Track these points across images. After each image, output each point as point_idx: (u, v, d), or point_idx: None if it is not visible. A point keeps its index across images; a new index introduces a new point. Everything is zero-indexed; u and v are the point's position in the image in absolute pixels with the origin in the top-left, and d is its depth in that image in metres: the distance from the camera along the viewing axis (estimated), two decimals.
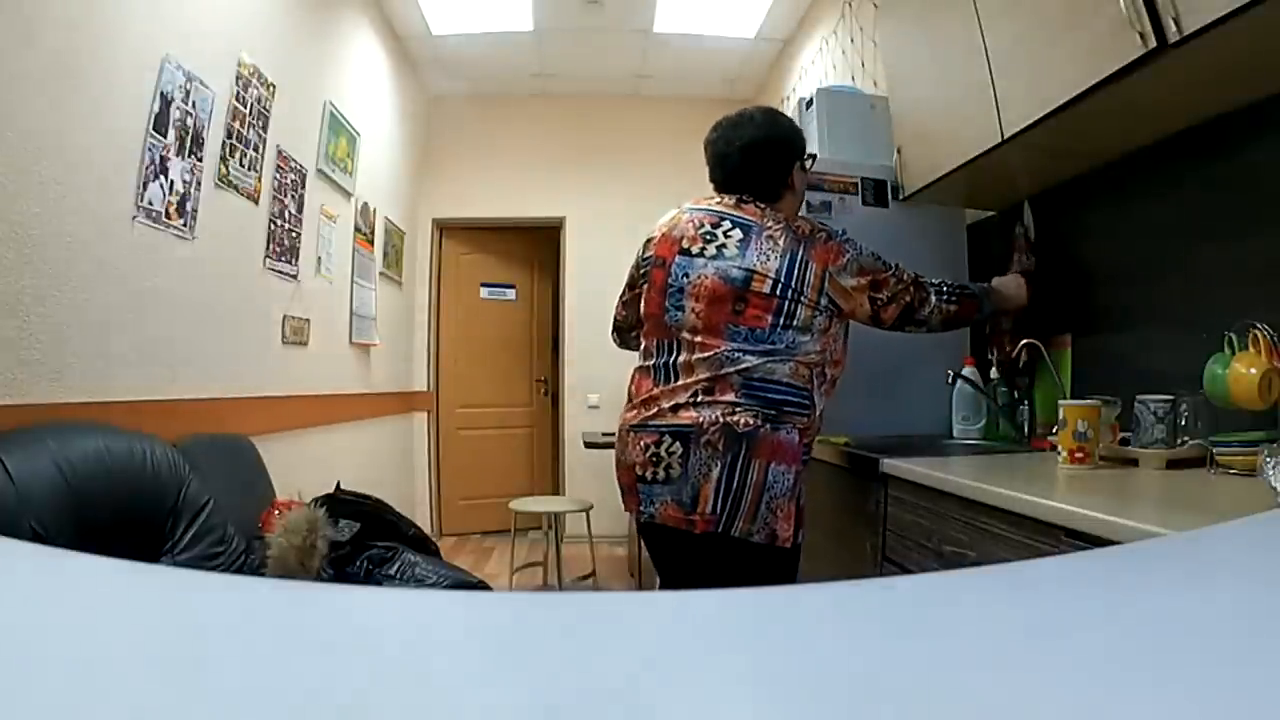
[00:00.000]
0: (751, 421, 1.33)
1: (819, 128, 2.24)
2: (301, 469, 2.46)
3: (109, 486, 1.39)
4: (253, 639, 0.31)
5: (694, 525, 1.36)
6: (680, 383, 1.39)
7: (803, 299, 1.39)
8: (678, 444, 1.36)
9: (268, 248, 2.40)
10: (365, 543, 1.82)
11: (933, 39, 1.87)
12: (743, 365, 1.35)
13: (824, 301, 1.42)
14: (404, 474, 4.15)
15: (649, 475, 1.39)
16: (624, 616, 0.36)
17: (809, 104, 2.31)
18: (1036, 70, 1.42)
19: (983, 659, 0.29)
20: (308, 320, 2.71)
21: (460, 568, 2.07)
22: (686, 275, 1.42)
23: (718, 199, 1.50)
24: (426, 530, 2.98)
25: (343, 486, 1.99)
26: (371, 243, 3.49)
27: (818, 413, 1.42)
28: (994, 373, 1.96)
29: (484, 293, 4.68)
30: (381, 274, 3.65)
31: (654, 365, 1.44)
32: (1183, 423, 1.33)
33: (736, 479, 1.33)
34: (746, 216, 1.44)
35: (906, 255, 2.13)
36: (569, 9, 3.58)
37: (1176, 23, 1.06)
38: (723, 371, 1.36)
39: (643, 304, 1.49)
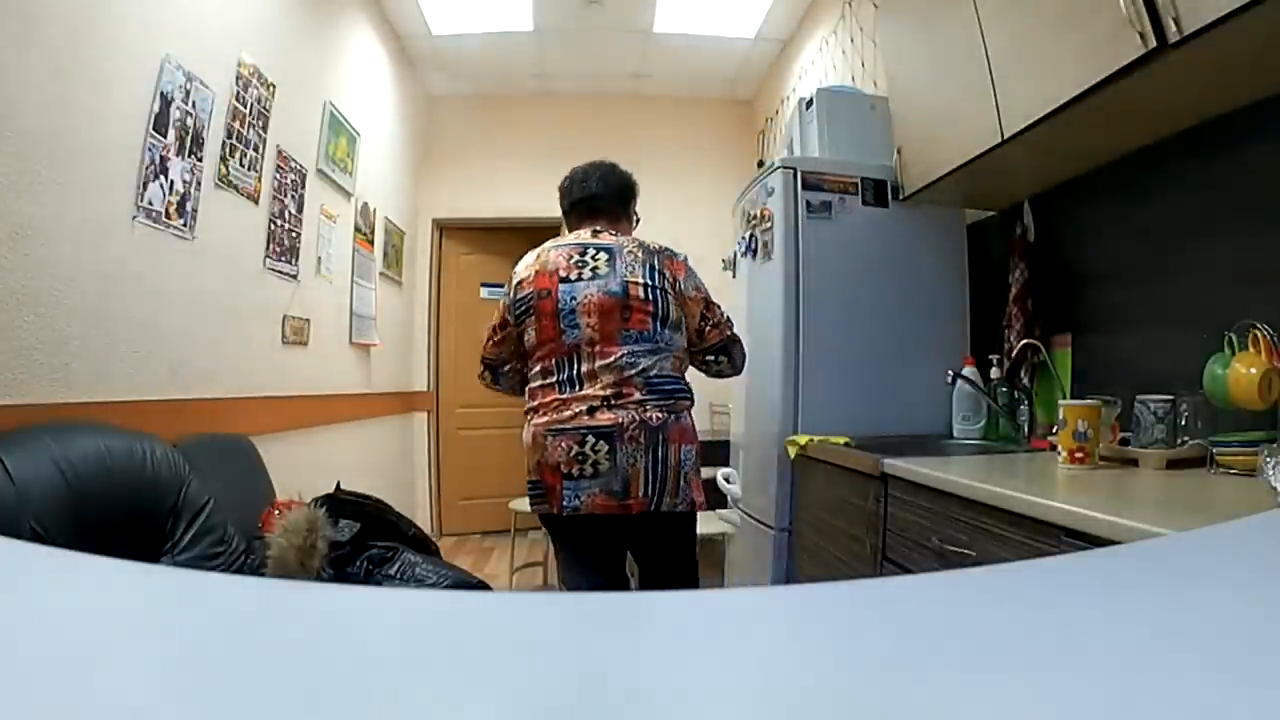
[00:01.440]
0: (660, 415, 1.57)
1: (819, 128, 2.25)
2: (301, 469, 2.46)
3: (109, 486, 1.39)
4: (253, 639, 0.31)
5: (630, 508, 1.56)
6: (586, 390, 1.58)
7: (669, 299, 1.64)
8: (602, 442, 1.54)
9: (268, 248, 2.40)
10: (365, 543, 1.82)
11: (933, 39, 1.87)
12: (641, 367, 1.58)
13: (676, 302, 1.66)
14: (404, 474, 4.15)
15: (575, 472, 1.55)
16: (624, 616, 0.36)
17: (809, 104, 2.31)
18: (1036, 70, 1.42)
19: (983, 659, 0.29)
20: (308, 320, 2.71)
21: (460, 568, 2.07)
22: (574, 298, 1.61)
23: (573, 236, 1.73)
24: (426, 530, 2.98)
25: (343, 486, 1.99)
26: (371, 243, 3.49)
27: (692, 395, 1.69)
28: (994, 373, 1.96)
29: (484, 293, 4.68)
30: (381, 274, 3.65)
31: (557, 380, 1.61)
32: (1183, 423, 1.33)
33: (659, 465, 1.56)
34: (606, 242, 1.67)
35: (906, 255, 2.15)
36: (569, 9, 3.58)
37: (1176, 23, 1.06)
38: (626, 375, 1.57)
39: (534, 332, 1.65)
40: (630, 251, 1.65)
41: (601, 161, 1.88)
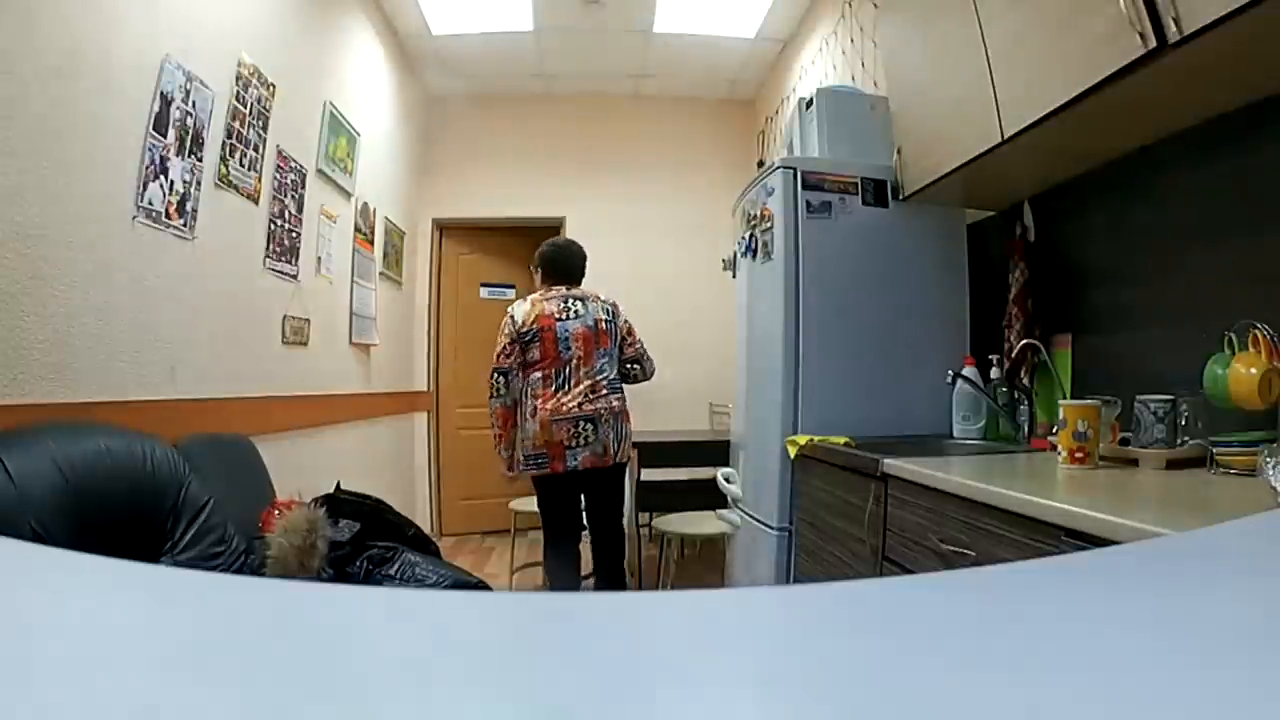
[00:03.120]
0: (618, 404, 2.49)
1: (819, 128, 2.25)
2: (301, 469, 2.46)
3: (109, 487, 1.39)
4: (253, 639, 0.31)
5: (606, 463, 2.45)
6: (573, 389, 2.43)
7: (615, 329, 2.56)
8: (589, 424, 2.42)
9: (268, 248, 2.40)
10: (365, 543, 1.82)
11: (933, 39, 1.87)
12: (606, 374, 2.48)
13: (617, 332, 2.57)
14: (404, 474, 4.15)
15: (573, 443, 2.41)
16: (624, 616, 0.36)
17: (809, 104, 2.31)
18: (1036, 70, 1.42)
19: (983, 659, 0.29)
20: (308, 320, 2.71)
21: (460, 568, 2.07)
22: (567, 331, 2.45)
23: (555, 291, 2.53)
24: (426, 530, 2.98)
25: (343, 486, 1.99)
26: (371, 243, 3.49)
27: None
28: (994, 373, 1.96)
29: (484, 293, 4.68)
30: (381, 274, 3.65)
31: (556, 384, 2.43)
32: (1183, 423, 1.33)
33: (620, 436, 2.48)
34: (578, 293, 2.55)
35: (906, 255, 2.15)
36: (569, 9, 3.58)
37: (1176, 23, 1.06)
38: (598, 380, 2.46)
39: (538, 351, 2.43)
40: (594, 300, 2.54)
41: (570, 242, 2.68)
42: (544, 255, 2.59)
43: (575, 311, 2.46)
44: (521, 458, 2.42)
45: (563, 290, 2.52)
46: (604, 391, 2.44)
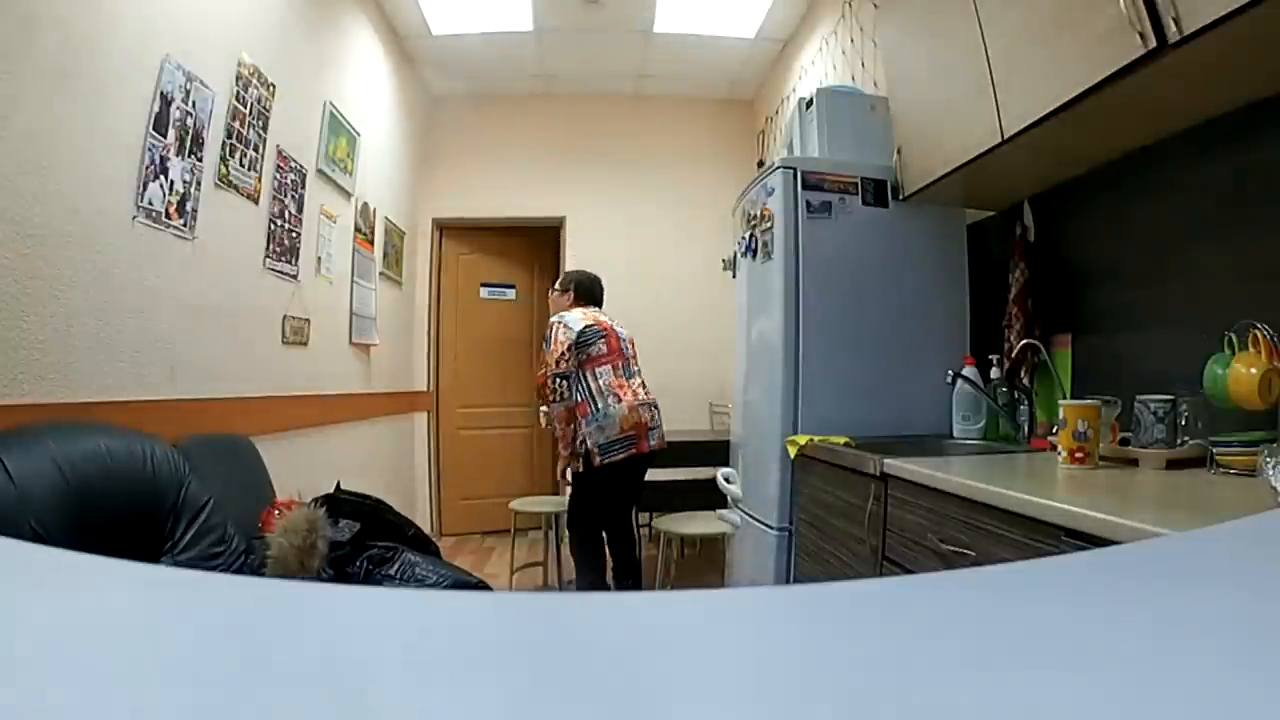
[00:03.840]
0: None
1: (819, 128, 2.25)
2: (301, 469, 2.46)
3: (109, 486, 1.39)
4: (253, 639, 0.31)
5: (661, 445, 2.76)
6: (638, 379, 2.79)
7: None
8: (656, 410, 2.77)
9: (268, 248, 2.40)
10: (365, 543, 1.82)
11: (933, 39, 1.87)
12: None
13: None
14: (404, 474, 4.15)
15: (653, 424, 2.72)
16: (624, 616, 0.36)
17: (809, 104, 2.31)
18: (1036, 70, 1.42)
19: (983, 659, 0.29)
20: (308, 320, 2.71)
21: (460, 568, 2.07)
22: (619, 336, 2.81)
23: (593, 310, 2.86)
24: (426, 530, 2.98)
25: (343, 486, 1.99)
26: (371, 243, 3.49)
27: None
28: (994, 373, 1.96)
29: (484, 293, 4.68)
30: (381, 274, 3.65)
31: (626, 375, 2.74)
32: (1183, 423, 1.33)
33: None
34: (606, 314, 2.89)
35: (906, 255, 2.15)
36: (569, 9, 3.58)
37: (1176, 23, 1.06)
38: (642, 376, 2.83)
39: (604, 348, 2.72)
40: (616, 320, 2.91)
41: (597, 276, 3.02)
42: (580, 281, 2.93)
43: (615, 324, 2.84)
44: (602, 444, 2.59)
45: (596, 311, 2.87)
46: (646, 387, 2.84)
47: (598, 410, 2.61)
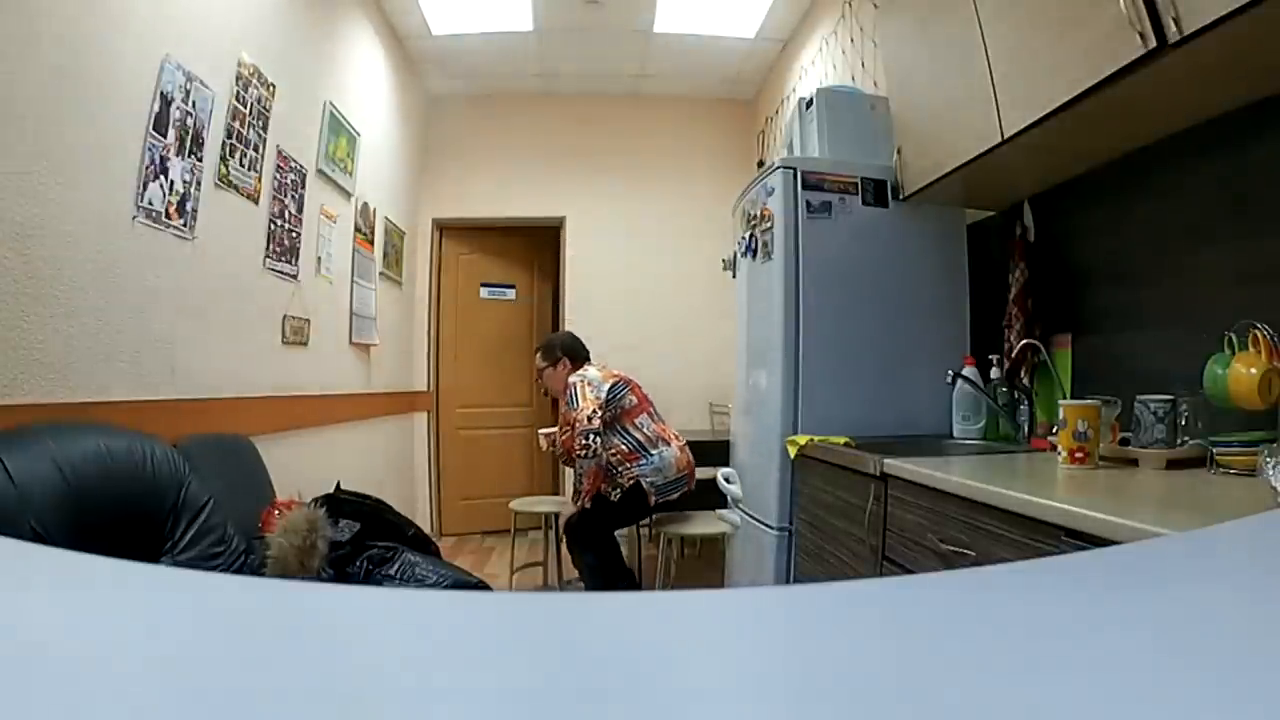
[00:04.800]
0: None
1: (819, 128, 2.24)
2: (301, 469, 2.46)
3: (109, 486, 1.39)
4: (253, 639, 0.31)
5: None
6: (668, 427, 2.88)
7: None
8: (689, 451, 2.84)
9: (268, 248, 2.40)
10: (365, 543, 1.82)
11: (933, 39, 1.87)
12: None
13: None
14: (404, 474, 4.15)
15: (693, 463, 2.79)
16: (624, 616, 0.36)
17: (809, 104, 2.31)
18: (1036, 70, 1.42)
19: (983, 659, 0.29)
20: (308, 320, 2.71)
21: (460, 568, 2.07)
22: (639, 385, 2.87)
23: (594, 366, 2.90)
24: (426, 530, 2.98)
25: (343, 486, 1.99)
26: (371, 243, 3.49)
27: None
28: (994, 373, 1.96)
29: (484, 292, 4.68)
30: (381, 274, 3.65)
31: (661, 422, 2.84)
32: (1183, 423, 1.33)
33: None
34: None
35: (906, 255, 2.15)
36: (569, 9, 3.58)
37: (1176, 23, 1.06)
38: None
39: (635, 401, 2.80)
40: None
41: (573, 333, 3.10)
42: (568, 346, 2.97)
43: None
44: (660, 485, 2.66)
45: (600, 365, 2.95)
46: None
47: (650, 456, 2.68)
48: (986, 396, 1.97)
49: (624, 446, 2.69)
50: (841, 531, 1.73)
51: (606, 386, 2.73)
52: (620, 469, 2.67)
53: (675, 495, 2.69)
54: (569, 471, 4.41)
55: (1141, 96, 1.29)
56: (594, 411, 2.63)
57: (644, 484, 2.65)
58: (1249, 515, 0.57)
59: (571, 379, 2.77)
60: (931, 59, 1.90)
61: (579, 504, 2.73)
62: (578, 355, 2.94)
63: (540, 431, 3.07)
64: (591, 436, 2.61)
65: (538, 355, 3.00)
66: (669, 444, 2.73)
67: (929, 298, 2.17)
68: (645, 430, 2.73)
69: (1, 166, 1.36)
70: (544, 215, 4.55)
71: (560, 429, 2.92)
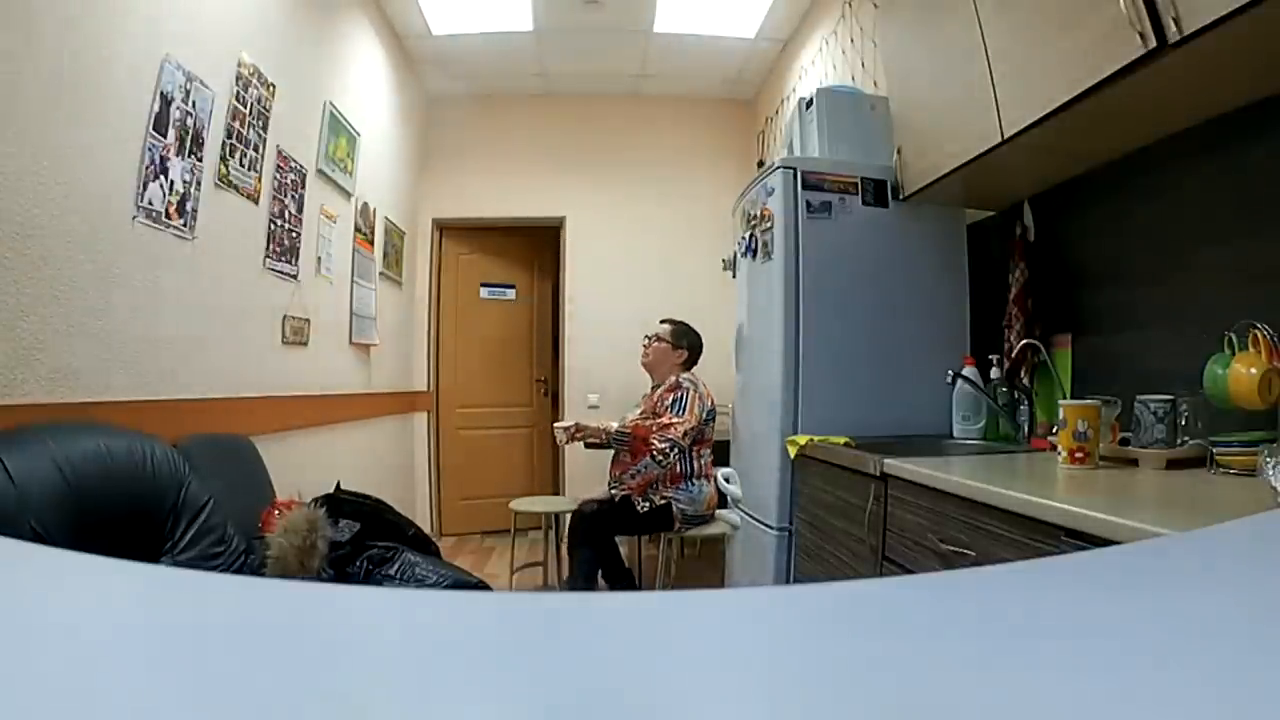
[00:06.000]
0: None
1: (819, 128, 2.24)
2: (301, 469, 2.46)
3: (109, 486, 1.39)
4: (253, 639, 0.31)
5: None
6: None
7: None
8: None
9: (268, 248, 2.40)
10: (365, 543, 1.82)
11: (933, 39, 1.87)
12: None
13: None
14: (404, 474, 4.15)
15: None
16: (624, 616, 0.36)
17: (809, 104, 2.31)
18: (1036, 70, 1.42)
19: (983, 659, 0.29)
20: (308, 320, 2.71)
21: (460, 568, 2.07)
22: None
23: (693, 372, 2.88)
24: (426, 530, 2.98)
25: (343, 486, 1.99)
26: (371, 243, 3.49)
27: None
28: (994, 373, 1.96)
29: (484, 292, 4.68)
30: (381, 274, 3.65)
31: (710, 457, 2.77)
32: (1183, 423, 1.33)
33: None
34: None
35: (906, 255, 2.15)
36: (569, 9, 3.58)
37: (1176, 23, 1.06)
38: None
39: (711, 432, 2.74)
40: None
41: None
42: (695, 344, 2.88)
43: None
44: (690, 515, 2.68)
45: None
46: None
47: (691, 486, 2.68)
48: (986, 396, 1.97)
49: (679, 469, 2.69)
50: (841, 531, 1.73)
51: (708, 407, 2.72)
52: (662, 485, 2.67)
53: (693, 527, 2.72)
54: (569, 471, 4.47)
55: (1141, 96, 1.29)
56: (694, 427, 2.64)
57: (675, 508, 2.66)
58: (1249, 515, 0.57)
59: (684, 381, 2.74)
60: (931, 59, 1.90)
61: (612, 492, 2.73)
62: (695, 356, 2.90)
63: (556, 425, 2.88)
64: (676, 451, 2.61)
65: (666, 327, 2.89)
66: (708, 481, 2.73)
67: (929, 298, 2.17)
68: (702, 461, 2.73)
69: (2, 166, 1.36)
70: (544, 215, 4.55)
71: (642, 415, 2.82)
